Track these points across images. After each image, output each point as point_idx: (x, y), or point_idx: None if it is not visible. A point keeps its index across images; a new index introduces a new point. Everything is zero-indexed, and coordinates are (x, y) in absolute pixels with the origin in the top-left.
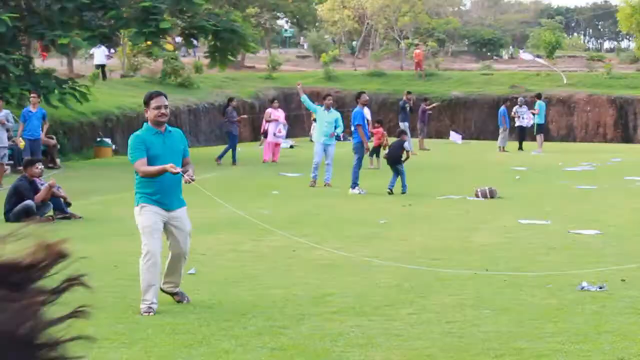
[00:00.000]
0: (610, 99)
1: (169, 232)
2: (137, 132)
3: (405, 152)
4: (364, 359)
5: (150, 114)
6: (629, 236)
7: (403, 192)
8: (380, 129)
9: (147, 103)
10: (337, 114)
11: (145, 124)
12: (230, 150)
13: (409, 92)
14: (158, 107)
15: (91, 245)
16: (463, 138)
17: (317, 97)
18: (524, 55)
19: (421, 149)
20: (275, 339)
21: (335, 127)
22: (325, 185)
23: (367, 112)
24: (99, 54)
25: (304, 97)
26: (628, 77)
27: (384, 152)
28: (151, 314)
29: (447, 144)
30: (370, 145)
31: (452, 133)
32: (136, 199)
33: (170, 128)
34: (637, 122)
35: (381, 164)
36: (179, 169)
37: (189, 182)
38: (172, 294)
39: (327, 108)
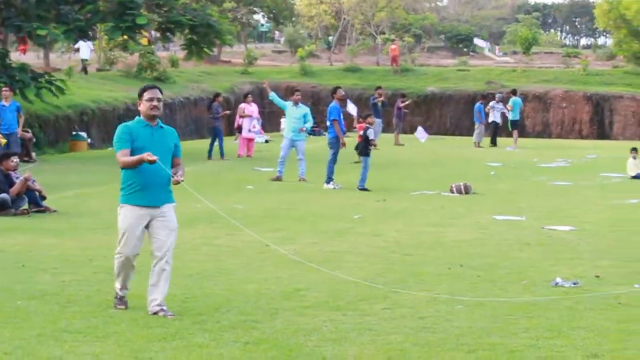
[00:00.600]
0: (586, 95)
1: (153, 229)
2: (127, 123)
3: (369, 141)
4: (337, 353)
5: (143, 106)
6: (604, 232)
7: (359, 188)
8: (364, 125)
9: (140, 95)
10: (306, 109)
11: (137, 116)
12: (213, 144)
13: (378, 88)
14: (151, 100)
15: (66, 239)
16: (439, 133)
17: (293, 92)
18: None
19: (396, 144)
20: (248, 333)
21: (305, 122)
22: (299, 180)
23: (353, 108)
24: (85, 48)
25: (272, 95)
26: (604, 74)
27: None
28: (123, 308)
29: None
30: (353, 140)
31: (419, 129)
32: (120, 197)
33: (162, 124)
34: (612, 119)
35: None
36: (155, 157)
37: (177, 183)
38: (156, 313)
39: (296, 103)
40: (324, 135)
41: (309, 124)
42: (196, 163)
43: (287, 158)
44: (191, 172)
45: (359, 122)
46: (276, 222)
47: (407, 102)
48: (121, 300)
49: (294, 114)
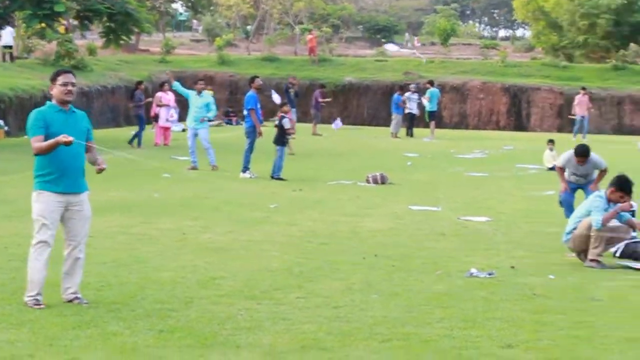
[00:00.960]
0: (504, 87)
1: (67, 218)
2: (39, 108)
3: (285, 130)
4: (252, 342)
5: (56, 90)
6: (520, 224)
7: (274, 177)
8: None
9: (53, 80)
10: (209, 98)
11: (48, 101)
12: (138, 132)
13: (292, 77)
14: (65, 84)
15: None
16: (356, 124)
17: (211, 81)
18: (335, 125)
19: (314, 134)
20: (163, 321)
21: (207, 111)
22: (212, 169)
23: (277, 97)
24: (7, 34)
25: (176, 84)
26: (522, 66)
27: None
28: (42, 307)
29: (339, 129)
30: (270, 130)
31: (336, 121)
32: (34, 183)
33: (75, 109)
34: (530, 110)
35: (294, 149)
36: (71, 138)
37: (102, 171)
38: (71, 301)
39: (199, 92)
40: (241, 124)
41: (212, 113)
42: (112, 151)
43: (196, 147)
44: (108, 160)
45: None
46: (192, 210)
47: (327, 100)
48: (37, 301)
49: (197, 103)
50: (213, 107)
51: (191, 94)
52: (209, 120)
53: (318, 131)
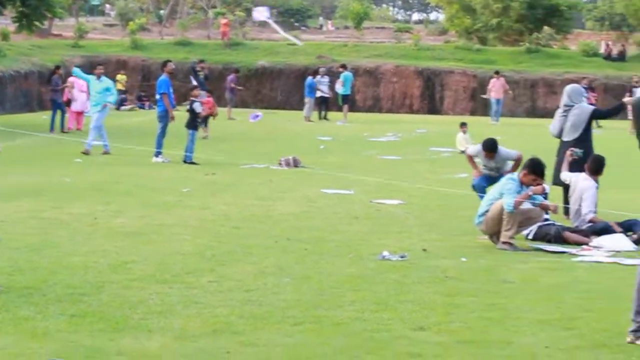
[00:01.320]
0: (417, 70)
1: None
2: None
3: (196, 114)
4: (163, 326)
5: None
6: (432, 207)
7: (185, 161)
8: (210, 99)
9: None
10: (109, 82)
11: None
12: (59, 117)
13: (201, 61)
14: None
15: None
16: (270, 108)
17: (124, 65)
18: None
19: (229, 118)
20: (74, 306)
21: (108, 96)
22: (83, 152)
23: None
24: None
25: (76, 70)
26: (435, 49)
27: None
28: None
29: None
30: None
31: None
32: None
33: None
34: (443, 94)
35: (210, 133)
36: None
37: None
38: None
39: (98, 77)
40: (154, 108)
41: (112, 97)
42: (24, 136)
43: (105, 130)
44: (20, 145)
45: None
46: (104, 195)
47: (239, 87)
48: None
49: (97, 88)
50: (114, 91)
51: (91, 79)
52: (120, 106)
53: (233, 115)
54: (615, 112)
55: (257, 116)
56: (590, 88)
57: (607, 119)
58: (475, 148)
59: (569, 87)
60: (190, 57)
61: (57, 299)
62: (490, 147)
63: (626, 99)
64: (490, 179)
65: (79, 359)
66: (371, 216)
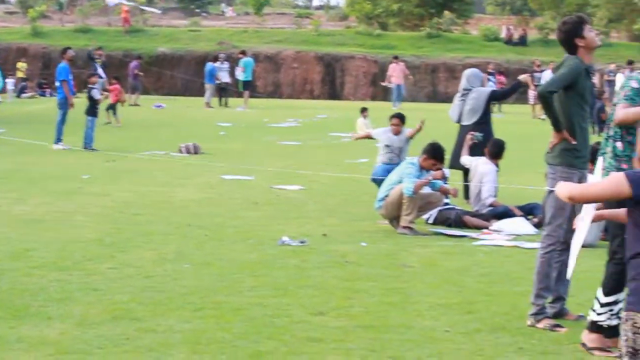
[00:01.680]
0: (317, 55)
1: None
2: None
3: (95, 101)
4: (63, 313)
5: None
6: (332, 192)
7: (85, 147)
8: (118, 86)
9: None
10: None
11: None
12: None
13: (99, 48)
14: None
15: None
16: (170, 94)
17: (25, 53)
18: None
19: (134, 104)
20: None
21: None
22: None
23: (102, 72)
24: None
25: None
26: (336, 34)
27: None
28: None
29: (154, 100)
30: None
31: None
32: None
33: None
34: (344, 79)
35: (120, 121)
36: None
37: None
38: None
39: None
40: (55, 96)
41: None
42: None
43: None
44: None
45: (110, 84)
46: (5, 183)
47: (141, 74)
48: None
49: None
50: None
51: None
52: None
53: (138, 102)
54: (512, 91)
55: (160, 106)
56: (499, 72)
57: (506, 99)
58: (380, 129)
59: (467, 71)
60: (91, 44)
61: None
62: (399, 114)
63: (522, 77)
64: (389, 171)
65: None
66: (271, 202)
